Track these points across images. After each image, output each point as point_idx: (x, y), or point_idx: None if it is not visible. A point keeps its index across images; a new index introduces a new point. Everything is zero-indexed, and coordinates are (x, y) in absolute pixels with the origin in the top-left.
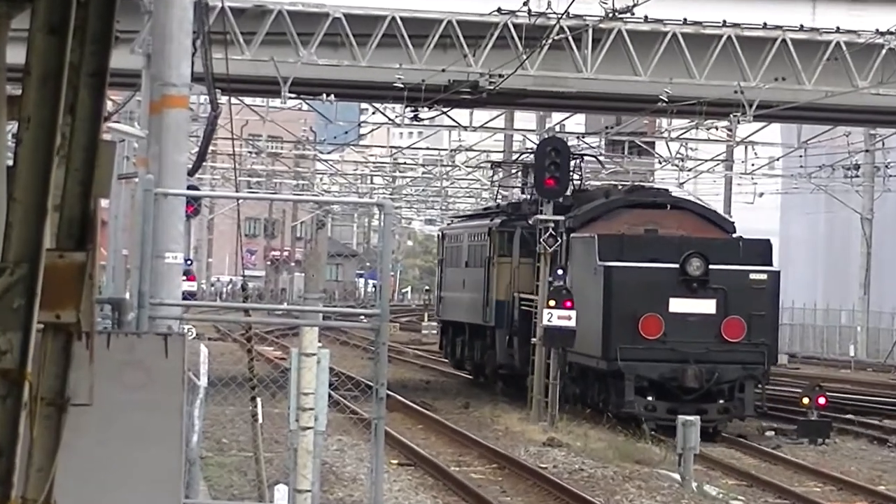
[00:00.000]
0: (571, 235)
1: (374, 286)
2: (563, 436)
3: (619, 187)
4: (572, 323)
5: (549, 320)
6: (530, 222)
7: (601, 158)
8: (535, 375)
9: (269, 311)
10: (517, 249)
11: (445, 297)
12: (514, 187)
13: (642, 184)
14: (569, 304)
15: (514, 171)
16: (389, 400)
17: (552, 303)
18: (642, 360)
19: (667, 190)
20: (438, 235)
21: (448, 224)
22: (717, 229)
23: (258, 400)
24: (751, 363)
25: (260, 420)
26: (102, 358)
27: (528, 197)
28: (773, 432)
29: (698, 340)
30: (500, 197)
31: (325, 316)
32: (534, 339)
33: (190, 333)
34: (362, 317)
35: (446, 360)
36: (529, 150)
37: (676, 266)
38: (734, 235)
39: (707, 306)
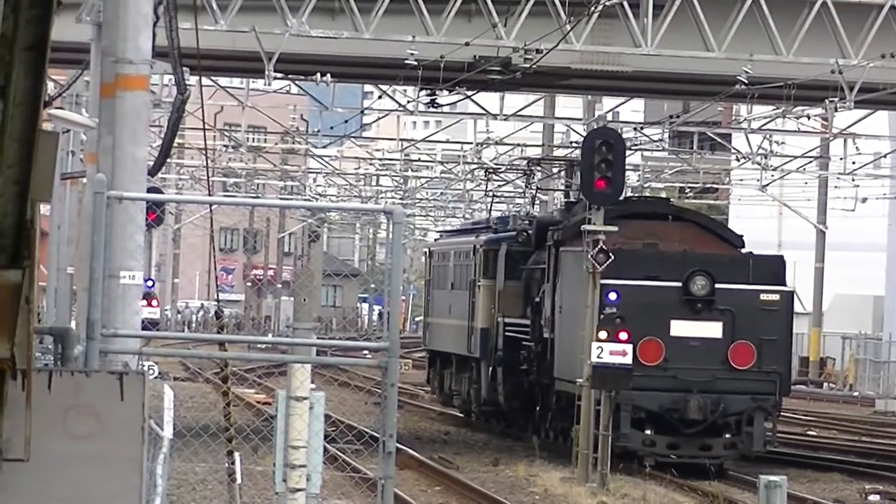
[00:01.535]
0: (561, 249)
1: (381, 313)
2: (617, 500)
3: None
4: (628, 359)
5: (598, 356)
6: (519, 240)
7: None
8: (581, 425)
9: (250, 344)
10: (502, 269)
11: (432, 323)
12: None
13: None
14: (624, 335)
15: (516, 177)
16: (400, 455)
17: (603, 334)
18: (640, 388)
19: (668, 199)
20: (425, 253)
21: (435, 239)
22: (725, 244)
23: (236, 455)
24: (761, 393)
25: (238, 480)
26: (43, 402)
27: (528, 208)
28: (877, 496)
29: (702, 367)
30: (529, 207)
31: (320, 350)
32: (579, 380)
33: (151, 372)
34: (366, 351)
35: (435, 397)
36: (526, 158)
37: (679, 284)
38: (743, 251)
39: (712, 330)
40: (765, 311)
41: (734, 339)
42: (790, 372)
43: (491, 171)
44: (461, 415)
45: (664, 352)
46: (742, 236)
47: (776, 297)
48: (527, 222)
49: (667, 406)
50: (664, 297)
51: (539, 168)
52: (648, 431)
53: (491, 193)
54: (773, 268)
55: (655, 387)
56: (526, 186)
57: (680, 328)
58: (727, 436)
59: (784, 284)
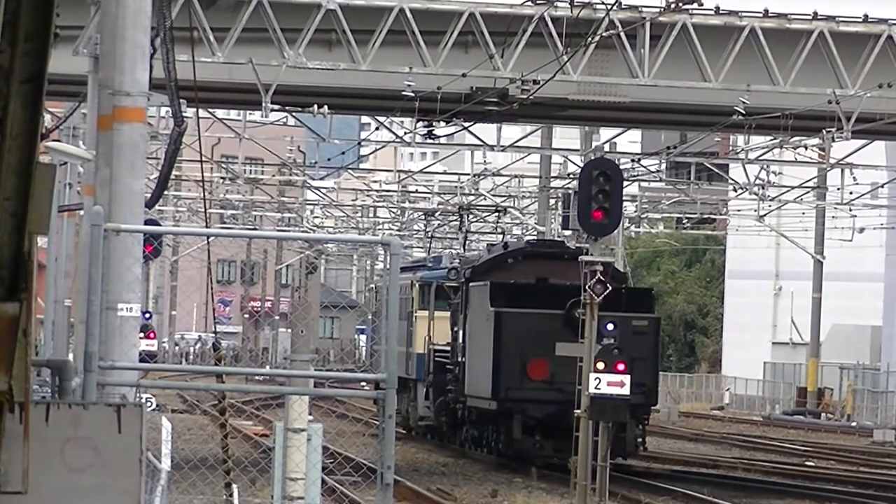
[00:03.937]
0: (470, 285)
1: None
2: None
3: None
4: (626, 390)
5: (596, 387)
6: (450, 276)
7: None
8: (580, 456)
9: (248, 376)
10: (433, 302)
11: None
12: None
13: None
14: (622, 366)
15: (450, 219)
16: (398, 487)
17: (601, 365)
18: (530, 400)
19: (563, 242)
20: (371, 289)
21: (379, 276)
22: (608, 280)
23: (234, 487)
24: (633, 404)
25: None
26: (40, 434)
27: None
28: None
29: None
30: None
31: (318, 382)
32: (577, 411)
33: (149, 404)
34: (364, 383)
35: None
36: (458, 204)
37: (562, 312)
38: (623, 286)
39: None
40: (636, 334)
41: None
42: (657, 386)
43: (429, 213)
44: (403, 431)
45: (550, 369)
46: (625, 273)
47: (645, 322)
48: (457, 261)
49: (553, 414)
50: (550, 323)
51: (469, 213)
52: (538, 437)
53: (430, 234)
54: (643, 299)
55: (544, 399)
56: (459, 229)
57: (564, 349)
58: None
59: (652, 312)
